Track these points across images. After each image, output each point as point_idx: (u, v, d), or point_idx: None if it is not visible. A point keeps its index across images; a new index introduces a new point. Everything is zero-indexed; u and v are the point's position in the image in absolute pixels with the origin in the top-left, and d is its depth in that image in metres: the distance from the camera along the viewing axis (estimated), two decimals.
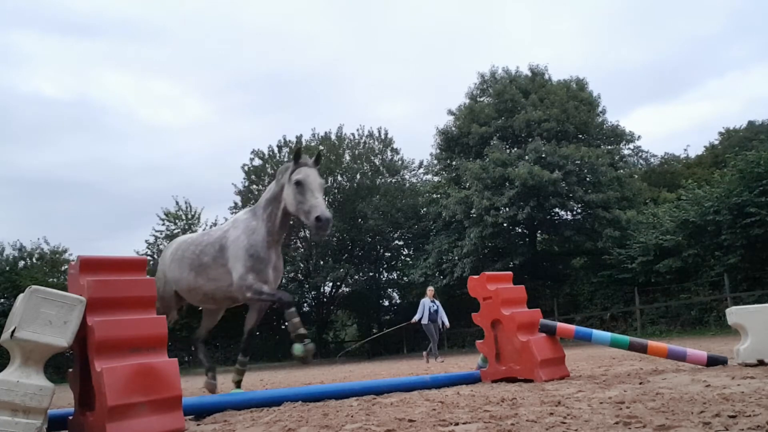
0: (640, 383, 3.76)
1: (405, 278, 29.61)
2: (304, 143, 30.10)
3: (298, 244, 30.63)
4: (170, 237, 29.46)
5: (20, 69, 58.60)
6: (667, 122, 63.16)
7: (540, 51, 63.70)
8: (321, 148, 29.84)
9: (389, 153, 30.58)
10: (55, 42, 64.31)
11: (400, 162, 30.66)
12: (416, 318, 13.60)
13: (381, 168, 30.08)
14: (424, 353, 13.87)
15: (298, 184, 4.49)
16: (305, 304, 31.58)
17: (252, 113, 66.40)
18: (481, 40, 67.22)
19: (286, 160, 29.81)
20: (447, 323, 13.72)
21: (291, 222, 4.95)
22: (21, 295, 2.94)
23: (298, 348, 4.34)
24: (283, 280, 29.67)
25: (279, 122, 65.14)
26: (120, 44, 61.21)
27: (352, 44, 70.86)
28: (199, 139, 63.58)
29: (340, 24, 70.18)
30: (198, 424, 3.34)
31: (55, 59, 62.25)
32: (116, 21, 60.68)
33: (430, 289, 14.33)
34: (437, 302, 13.78)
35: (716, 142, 37.35)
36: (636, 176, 26.70)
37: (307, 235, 29.86)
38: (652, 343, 4.78)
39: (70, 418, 3.24)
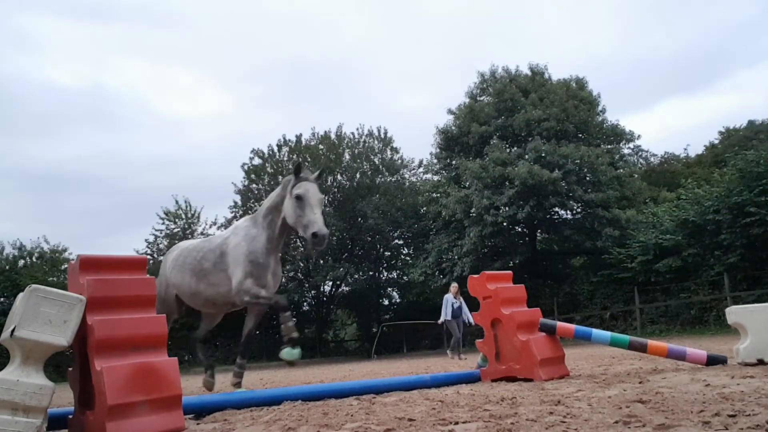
0: (640, 382, 3.76)
1: (405, 277, 29.61)
2: (303, 142, 30.07)
3: (299, 244, 30.61)
4: (170, 236, 29.44)
5: (32, 55, 57.71)
6: (666, 121, 63.19)
7: (539, 50, 63.64)
8: (321, 147, 29.82)
9: (389, 152, 30.57)
10: (69, 27, 63.28)
11: (399, 161, 30.64)
12: (441, 319, 13.33)
13: (381, 167, 30.05)
14: (449, 351, 13.76)
15: (298, 198, 4.65)
16: (305, 303, 31.54)
17: (259, 108, 66.12)
18: (481, 39, 67.20)
19: (285, 159, 29.81)
20: (471, 320, 13.06)
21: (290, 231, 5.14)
22: (21, 294, 2.94)
23: (286, 352, 4.52)
24: (283, 279, 29.67)
25: (280, 119, 64.98)
26: (136, 30, 60.32)
27: (352, 44, 70.80)
28: (210, 133, 62.68)
29: (339, 23, 70.15)
30: (198, 423, 3.34)
31: (68, 45, 61.36)
32: (131, 5, 59.83)
33: (454, 286, 13.75)
34: (461, 299, 13.42)
35: (716, 142, 37.40)
36: (636, 176, 26.65)
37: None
38: (652, 343, 4.78)
39: (70, 417, 3.24)
